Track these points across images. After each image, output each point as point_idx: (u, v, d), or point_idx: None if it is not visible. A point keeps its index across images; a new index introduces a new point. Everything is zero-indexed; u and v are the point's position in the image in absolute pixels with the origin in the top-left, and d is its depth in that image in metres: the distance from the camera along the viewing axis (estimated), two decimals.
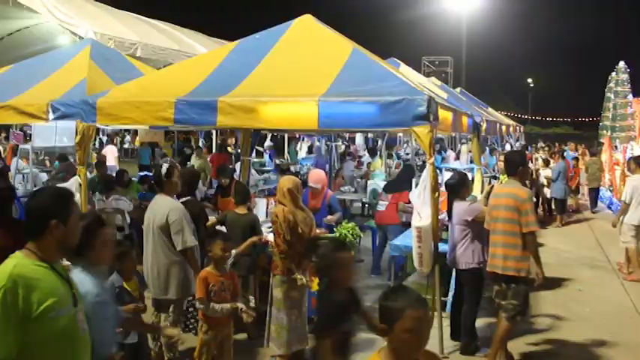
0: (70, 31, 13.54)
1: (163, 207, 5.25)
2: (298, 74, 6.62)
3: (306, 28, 7.48)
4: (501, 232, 5.81)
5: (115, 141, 25.02)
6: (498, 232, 5.84)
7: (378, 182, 10.84)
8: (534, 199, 13.83)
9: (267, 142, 18.19)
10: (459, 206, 6.34)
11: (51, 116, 7.58)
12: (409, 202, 8.58)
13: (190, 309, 6.10)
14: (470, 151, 12.86)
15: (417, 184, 7.07)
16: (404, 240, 7.37)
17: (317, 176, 7.66)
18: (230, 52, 7.43)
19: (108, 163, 16.65)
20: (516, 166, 6.00)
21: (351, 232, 6.86)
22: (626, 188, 9.90)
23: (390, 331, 2.60)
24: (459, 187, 6.52)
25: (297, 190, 5.46)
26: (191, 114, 6.33)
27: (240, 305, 4.97)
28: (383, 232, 8.71)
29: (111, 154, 17.39)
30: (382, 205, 8.85)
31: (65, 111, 7.43)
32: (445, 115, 6.58)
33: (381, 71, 6.72)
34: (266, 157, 17.51)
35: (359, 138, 20.71)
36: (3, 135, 16.46)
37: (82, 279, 3.15)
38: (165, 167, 5.50)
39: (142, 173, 11.64)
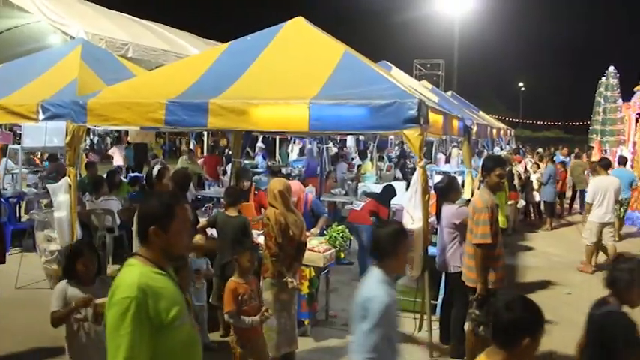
0: (62, 30, 13.46)
1: None
2: (290, 76, 6.63)
3: (298, 30, 7.48)
4: (467, 242, 5.88)
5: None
6: (467, 242, 5.91)
7: (368, 185, 10.84)
8: (522, 204, 14.01)
9: (259, 144, 18.19)
10: (447, 209, 6.38)
11: (41, 116, 7.55)
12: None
13: None
14: (460, 155, 12.90)
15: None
16: None
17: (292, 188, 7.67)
18: (222, 54, 7.43)
19: (115, 163, 16.69)
20: (487, 170, 5.89)
21: (341, 234, 6.86)
22: (589, 189, 10.62)
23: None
24: (448, 190, 6.58)
25: (288, 193, 5.46)
26: (182, 115, 6.33)
27: (267, 314, 4.92)
28: (355, 231, 8.57)
29: (118, 154, 17.38)
30: (358, 205, 8.81)
31: (56, 111, 7.41)
32: (436, 119, 6.60)
33: (372, 74, 6.73)
34: (258, 158, 17.49)
35: (350, 140, 20.71)
36: None
37: None
38: (156, 169, 5.48)
39: (132, 174, 11.59)
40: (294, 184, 7.93)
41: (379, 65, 9.06)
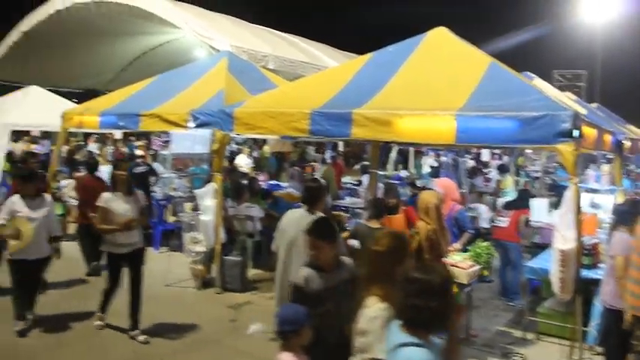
0: (208, 44, 14.17)
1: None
2: (434, 87, 6.49)
3: (440, 40, 7.33)
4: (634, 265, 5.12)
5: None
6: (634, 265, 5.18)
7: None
8: None
9: (392, 155, 18.03)
10: (620, 237, 5.56)
11: (191, 124, 7.98)
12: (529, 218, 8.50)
13: None
14: (609, 172, 12.04)
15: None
16: (541, 262, 6.94)
17: (443, 182, 7.44)
18: (364, 65, 7.43)
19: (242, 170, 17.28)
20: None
21: (485, 251, 6.57)
22: None
23: None
24: (630, 215, 5.60)
25: (442, 206, 5.29)
26: (326, 125, 6.40)
27: None
28: (502, 248, 8.24)
29: (244, 162, 17.99)
30: (502, 222, 8.44)
31: (205, 120, 7.81)
32: (589, 133, 6.17)
33: (520, 85, 6.41)
34: (390, 167, 17.33)
35: (486, 154, 20.04)
36: (144, 141, 17.51)
37: None
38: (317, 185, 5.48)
39: (271, 182, 11.89)
40: (450, 182, 7.81)
41: (522, 75, 8.66)
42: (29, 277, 6.32)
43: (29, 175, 6.47)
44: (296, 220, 5.17)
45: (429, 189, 6.78)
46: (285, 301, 5.16)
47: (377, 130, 6.13)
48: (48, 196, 6.54)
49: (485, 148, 15.34)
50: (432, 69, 6.83)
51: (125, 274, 6.36)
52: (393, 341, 2.65)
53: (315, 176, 11.47)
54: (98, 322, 6.48)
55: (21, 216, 6.10)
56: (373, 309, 3.00)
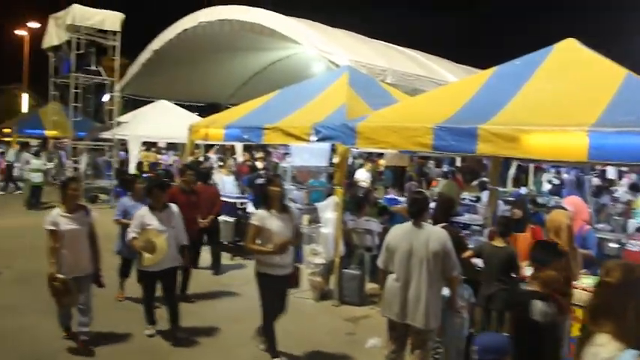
0: (327, 59, 14.44)
1: (436, 234, 5.10)
2: (563, 102, 6.21)
3: (569, 52, 7.03)
4: None
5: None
6: None
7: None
8: None
9: (512, 171, 17.52)
10: None
11: (313, 138, 8.13)
12: None
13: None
14: None
15: None
16: None
17: (573, 201, 7.07)
18: (489, 79, 7.28)
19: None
20: None
21: None
22: None
23: None
24: None
25: (573, 227, 5.06)
26: (450, 140, 6.31)
27: None
28: None
29: (364, 176, 18.09)
30: (635, 246, 7.90)
31: (327, 133, 7.94)
32: None
33: None
34: (509, 184, 16.82)
35: (611, 171, 18.96)
36: (262, 154, 18.15)
37: None
38: (423, 197, 5.41)
39: (388, 196, 11.86)
40: (578, 200, 7.39)
41: None
42: (164, 287, 6.45)
43: (161, 186, 6.56)
44: (405, 234, 5.10)
45: (559, 207, 6.49)
46: (403, 316, 5.13)
47: (503, 147, 5.94)
48: (174, 206, 6.51)
49: (620, 166, 14.57)
50: (562, 82, 6.54)
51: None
52: None
53: (438, 191, 11.33)
54: (261, 346, 6.23)
55: (151, 228, 6.16)
56: (607, 349, 2.69)
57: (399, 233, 5.16)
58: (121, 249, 7.57)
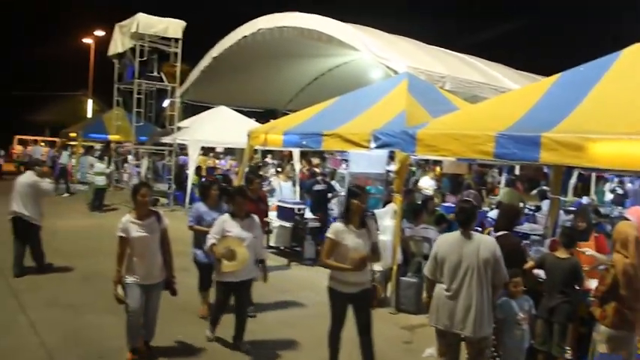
0: (385, 65, 14.43)
1: (486, 242, 5.07)
2: (632, 109, 6.00)
3: (638, 57, 6.81)
4: None
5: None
6: None
7: None
8: None
9: (573, 180, 17.09)
10: None
11: (372, 145, 8.14)
12: None
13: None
14: None
15: None
16: None
17: (636, 211, 6.87)
18: (552, 86, 7.11)
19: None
20: None
21: None
22: None
23: None
24: None
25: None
26: (512, 149, 6.20)
27: None
28: None
29: (428, 184, 18.01)
30: None
31: (386, 140, 7.93)
32: None
33: None
34: (570, 193, 16.41)
35: None
36: (318, 160, 18.31)
37: None
38: (471, 206, 5.35)
39: (445, 204, 11.77)
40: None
41: None
42: (237, 298, 6.33)
43: (244, 193, 6.39)
44: (454, 244, 5.04)
45: (623, 218, 6.30)
46: (451, 326, 5.06)
47: (567, 155, 5.78)
48: (256, 217, 6.35)
49: None
50: (630, 88, 6.30)
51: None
52: None
53: (498, 199, 11.17)
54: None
55: (231, 236, 6.03)
56: None
57: (448, 243, 5.13)
58: (199, 256, 7.25)
